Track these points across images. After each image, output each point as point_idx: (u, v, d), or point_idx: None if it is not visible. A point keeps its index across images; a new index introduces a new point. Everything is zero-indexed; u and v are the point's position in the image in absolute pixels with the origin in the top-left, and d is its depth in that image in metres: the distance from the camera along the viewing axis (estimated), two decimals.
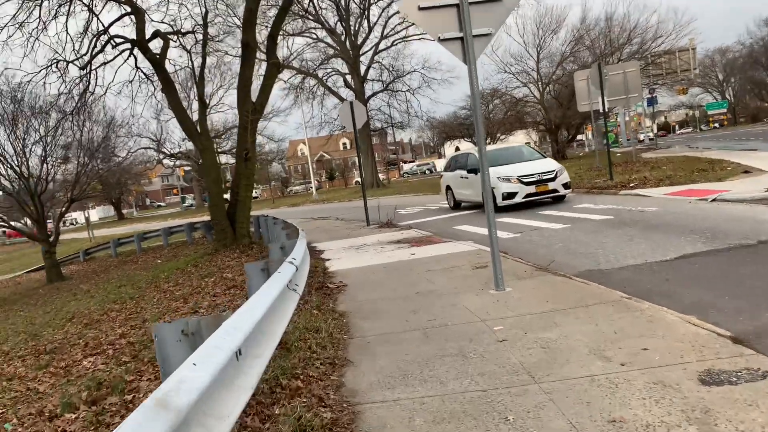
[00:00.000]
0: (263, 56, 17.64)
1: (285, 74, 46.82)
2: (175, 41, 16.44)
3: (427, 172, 78.60)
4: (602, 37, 43.97)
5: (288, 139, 75.58)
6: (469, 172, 16.12)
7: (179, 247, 21.26)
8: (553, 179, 14.82)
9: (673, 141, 56.16)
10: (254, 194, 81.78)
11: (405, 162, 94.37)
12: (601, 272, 7.07)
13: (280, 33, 43.53)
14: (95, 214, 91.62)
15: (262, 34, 20.65)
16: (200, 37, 16.80)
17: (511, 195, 14.74)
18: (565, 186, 15.12)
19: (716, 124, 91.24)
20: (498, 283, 6.23)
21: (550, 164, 15.46)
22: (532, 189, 14.69)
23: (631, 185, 16.12)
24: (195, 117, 22.63)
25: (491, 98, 52.81)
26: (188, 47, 15.68)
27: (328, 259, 10.93)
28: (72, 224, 76.62)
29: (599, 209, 12.93)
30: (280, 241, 7.70)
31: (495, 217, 6.68)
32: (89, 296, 13.63)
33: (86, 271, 22.07)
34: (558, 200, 15.37)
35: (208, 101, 56.73)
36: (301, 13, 44.21)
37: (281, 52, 45.81)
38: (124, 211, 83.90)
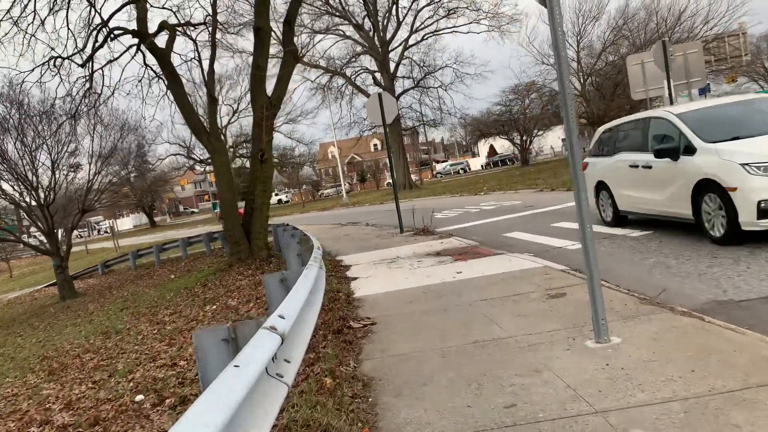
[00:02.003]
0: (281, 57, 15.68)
1: (311, 74, 45.34)
2: (181, 32, 14.75)
3: (461, 171, 76.31)
4: (642, 27, 41.01)
5: (318, 141, 74.17)
6: (659, 155, 8.24)
7: (197, 259, 19.67)
8: None
9: None
10: (284, 198, 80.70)
11: (437, 162, 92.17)
12: (738, 306, 4.93)
13: (306, 29, 42.07)
14: (129, 222, 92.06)
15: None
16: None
17: None
18: None
19: None
20: (600, 330, 4.17)
21: None
22: None
23: None
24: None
25: (527, 92, 50.21)
26: (194, 38, 13.95)
27: (355, 278, 8.99)
28: (106, 232, 76.73)
29: None
30: (288, 266, 5.80)
31: (555, 223, 4.72)
32: (87, 321, 12.02)
33: (101, 286, 20.67)
34: None
35: (236, 106, 55.92)
36: (327, 9, 42.58)
37: (306, 49, 44.30)
38: (157, 219, 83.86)
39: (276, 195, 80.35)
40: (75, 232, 21.37)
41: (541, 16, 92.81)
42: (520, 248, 9.89)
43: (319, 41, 50.50)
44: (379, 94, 14.49)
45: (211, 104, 13.31)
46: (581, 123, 58.77)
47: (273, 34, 14.71)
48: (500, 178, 38.80)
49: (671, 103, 17.36)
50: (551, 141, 77.48)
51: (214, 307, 8.42)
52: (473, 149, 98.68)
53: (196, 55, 13.56)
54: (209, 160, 59.00)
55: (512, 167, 62.39)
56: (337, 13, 43.37)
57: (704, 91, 41.54)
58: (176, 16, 14.12)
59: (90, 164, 19.12)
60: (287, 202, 74.32)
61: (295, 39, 31.31)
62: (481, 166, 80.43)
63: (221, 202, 13.32)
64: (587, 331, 4.48)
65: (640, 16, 41.20)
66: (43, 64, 13.75)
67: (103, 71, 15.95)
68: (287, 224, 13.06)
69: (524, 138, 57.10)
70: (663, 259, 7.14)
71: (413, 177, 52.80)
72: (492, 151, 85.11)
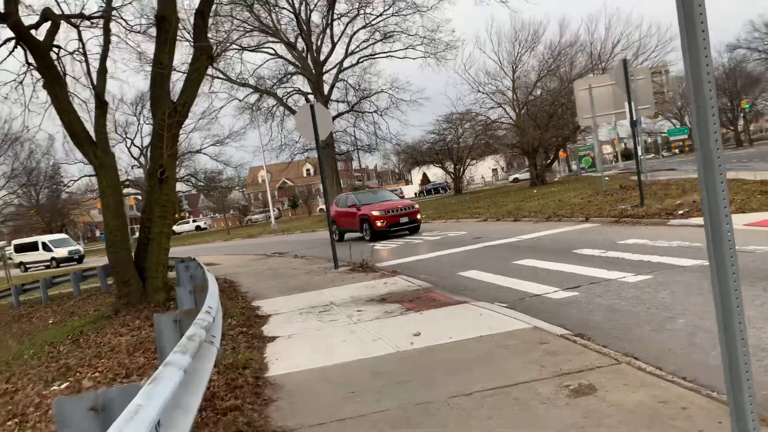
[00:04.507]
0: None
1: (240, 92, 42.63)
2: (75, 23, 12.05)
3: None
4: (569, 62, 41.00)
5: (248, 165, 70.51)
6: None
7: (90, 297, 16.53)
8: None
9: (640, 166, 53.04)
10: (203, 225, 75.49)
11: (371, 188, 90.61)
12: None
13: (235, 46, 39.41)
14: None
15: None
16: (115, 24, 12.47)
17: None
18: None
19: (677, 150, 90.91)
20: None
21: None
22: None
23: (681, 212, 12.33)
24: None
25: (461, 122, 49.50)
26: (78, 24, 11.23)
27: (273, 339, 6.61)
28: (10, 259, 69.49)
29: (671, 249, 8.98)
30: (159, 348, 3.45)
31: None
32: None
33: None
34: None
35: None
36: (256, 25, 40.19)
37: (235, 68, 41.66)
38: None
39: (193, 221, 75.19)
40: None
41: (477, 44, 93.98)
42: (485, 293, 7.89)
43: (253, 66, 48.09)
44: (311, 106, 12.33)
45: (99, 109, 10.63)
46: (515, 154, 58.87)
47: (184, 29, 12.30)
48: (437, 206, 37.28)
49: (632, 125, 16.14)
50: (482, 171, 77.90)
51: (63, 386, 5.81)
52: (406, 177, 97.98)
53: (80, 46, 10.91)
54: (128, 183, 54.36)
55: (446, 195, 61.58)
56: (269, 30, 41.08)
57: (636, 124, 41.86)
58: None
59: None
60: (205, 229, 69.81)
61: (221, 55, 28.62)
62: (415, 193, 79.69)
63: (107, 230, 10.57)
64: None
65: (568, 53, 41.15)
66: None
67: None
68: (193, 258, 10.48)
69: (457, 167, 56.39)
70: (697, 320, 5.22)
71: None
72: (425, 179, 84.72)
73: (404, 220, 18.44)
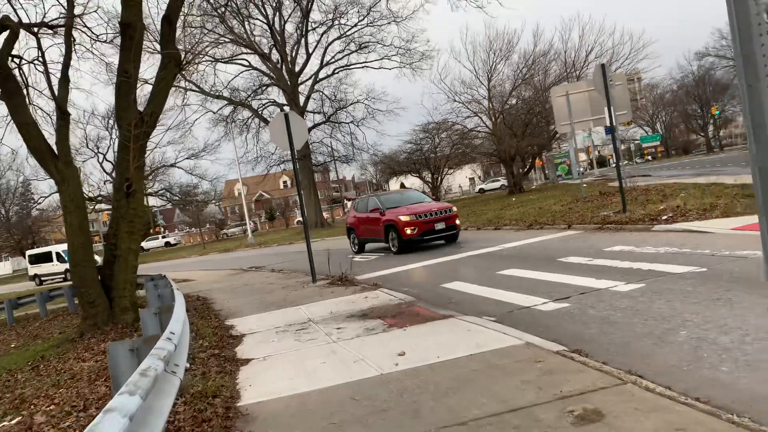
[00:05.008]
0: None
1: (214, 104, 42.02)
2: (35, 32, 11.47)
3: None
4: (542, 71, 41.15)
5: (223, 178, 69.57)
6: None
7: (57, 317, 15.81)
8: None
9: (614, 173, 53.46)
10: (173, 241, 73.25)
11: (349, 199, 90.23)
12: None
13: (208, 58, 38.82)
14: (8, 266, 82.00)
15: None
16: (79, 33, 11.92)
17: None
18: None
19: (649, 157, 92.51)
20: None
21: None
22: None
23: (665, 218, 12.15)
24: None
25: (437, 131, 49.44)
26: (37, 32, 10.68)
27: (247, 362, 6.15)
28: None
29: (659, 255, 8.73)
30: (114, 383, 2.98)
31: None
32: None
33: None
34: None
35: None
36: (229, 36, 39.69)
37: (209, 80, 41.01)
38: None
39: (163, 237, 73.19)
40: None
41: (452, 53, 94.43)
42: (471, 306, 7.53)
43: (227, 78, 47.43)
44: (286, 115, 11.92)
45: (60, 120, 10.07)
46: (492, 162, 59.00)
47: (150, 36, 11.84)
48: None
49: (612, 131, 16.02)
50: (459, 180, 78.06)
51: (14, 422, 5.28)
52: (384, 187, 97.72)
53: (40, 55, 10.35)
54: (100, 198, 53.11)
55: None
56: (242, 41, 40.59)
57: (610, 131, 42.28)
58: (11, 4, 10.83)
59: None
60: (176, 244, 68.20)
61: (190, 63, 28.09)
62: None
63: (71, 248, 9.99)
64: None
65: (542, 62, 41.25)
66: None
67: None
68: (162, 275, 9.94)
69: (435, 176, 56.30)
70: (699, 332, 4.91)
71: (325, 215, 50.18)
72: (403, 189, 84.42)
73: (440, 226, 15.29)
